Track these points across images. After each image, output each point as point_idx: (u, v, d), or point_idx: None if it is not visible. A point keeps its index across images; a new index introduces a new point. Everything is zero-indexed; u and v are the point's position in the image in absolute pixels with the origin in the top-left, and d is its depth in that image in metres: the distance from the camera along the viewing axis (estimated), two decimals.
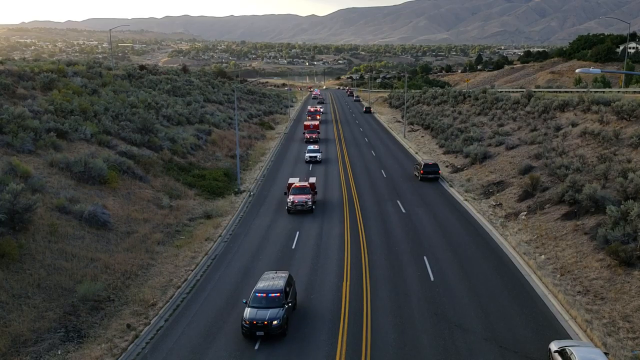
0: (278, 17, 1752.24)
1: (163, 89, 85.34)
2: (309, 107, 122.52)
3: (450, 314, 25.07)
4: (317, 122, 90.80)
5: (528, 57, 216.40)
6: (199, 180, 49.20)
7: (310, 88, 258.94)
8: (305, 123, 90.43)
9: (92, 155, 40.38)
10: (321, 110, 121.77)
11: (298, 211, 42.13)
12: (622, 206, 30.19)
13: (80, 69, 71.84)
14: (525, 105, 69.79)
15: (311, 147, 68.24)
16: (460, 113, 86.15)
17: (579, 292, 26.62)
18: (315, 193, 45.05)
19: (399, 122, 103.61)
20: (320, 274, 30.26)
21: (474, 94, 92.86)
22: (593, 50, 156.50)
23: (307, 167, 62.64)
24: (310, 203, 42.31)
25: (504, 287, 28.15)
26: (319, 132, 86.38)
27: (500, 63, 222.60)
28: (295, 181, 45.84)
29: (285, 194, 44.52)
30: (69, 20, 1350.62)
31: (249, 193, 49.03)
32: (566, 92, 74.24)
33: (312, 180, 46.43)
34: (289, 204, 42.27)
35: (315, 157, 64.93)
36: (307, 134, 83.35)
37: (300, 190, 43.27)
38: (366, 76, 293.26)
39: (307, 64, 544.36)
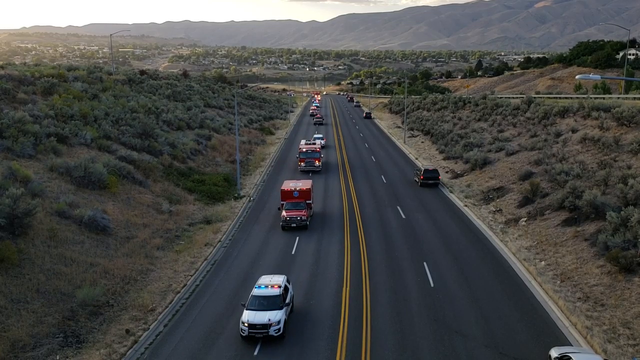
0: (278, 22, 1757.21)
1: (163, 94, 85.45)
2: (301, 144, 68.61)
3: (450, 320, 25.00)
4: (308, 186, 42.27)
5: (528, 63, 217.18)
6: (198, 185, 49.17)
7: (316, 94, 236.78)
8: (285, 187, 42.27)
9: (92, 160, 40.36)
10: (322, 142, 76.83)
11: None
12: (622, 212, 30.16)
13: (81, 73, 71.94)
14: (525, 111, 69.86)
15: (263, 289, 24.85)
16: (460, 119, 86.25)
17: (579, 298, 26.58)
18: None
19: (399, 127, 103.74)
20: (320, 279, 30.20)
21: (474, 100, 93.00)
22: (593, 56, 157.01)
23: (306, 174, 60.39)
24: None
25: (504, 293, 28.09)
26: (310, 203, 41.79)
27: (500, 69, 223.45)
28: None
29: None
30: (69, 25, 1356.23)
31: (249, 198, 48.99)
32: (566, 98, 74.39)
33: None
34: None
35: (267, 331, 23.08)
36: (285, 212, 39.71)
37: None
38: (366, 82, 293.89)
39: (307, 69, 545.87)
